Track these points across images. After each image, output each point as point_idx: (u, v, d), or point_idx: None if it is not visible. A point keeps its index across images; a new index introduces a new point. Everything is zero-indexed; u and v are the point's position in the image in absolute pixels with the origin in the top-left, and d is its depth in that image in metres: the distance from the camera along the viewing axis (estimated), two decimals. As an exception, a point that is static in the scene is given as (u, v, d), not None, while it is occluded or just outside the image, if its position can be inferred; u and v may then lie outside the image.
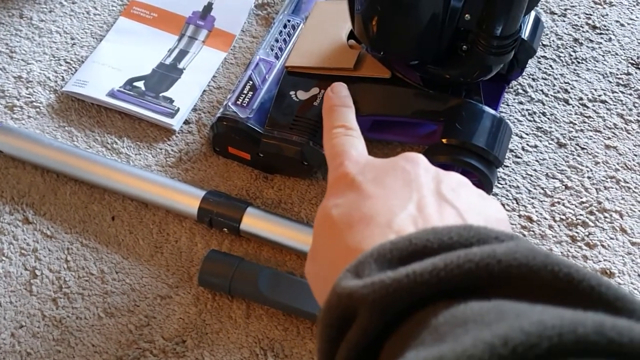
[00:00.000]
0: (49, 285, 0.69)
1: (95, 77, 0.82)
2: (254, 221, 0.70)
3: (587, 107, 0.81)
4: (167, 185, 0.73)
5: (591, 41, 0.86)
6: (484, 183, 0.69)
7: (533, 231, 0.72)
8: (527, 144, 0.78)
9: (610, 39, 0.86)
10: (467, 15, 0.64)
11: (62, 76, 0.83)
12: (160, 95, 0.81)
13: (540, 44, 0.84)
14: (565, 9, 0.89)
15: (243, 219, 0.70)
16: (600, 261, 0.70)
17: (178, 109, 0.80)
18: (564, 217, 0.73)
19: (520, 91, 0.82)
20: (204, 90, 0.82)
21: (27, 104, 0.81)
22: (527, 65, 0.77)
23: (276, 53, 0.78)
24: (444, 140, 0.68)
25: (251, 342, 0.65)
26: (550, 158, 0.77)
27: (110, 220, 0.73)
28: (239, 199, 0.72)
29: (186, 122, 0.80)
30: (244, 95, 0.74)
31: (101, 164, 0.74)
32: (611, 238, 0.71)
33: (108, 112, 0.81)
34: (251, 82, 0.75)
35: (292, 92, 0.74)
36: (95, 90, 0.80)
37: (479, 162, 0.67)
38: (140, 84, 0.82)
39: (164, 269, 0.70)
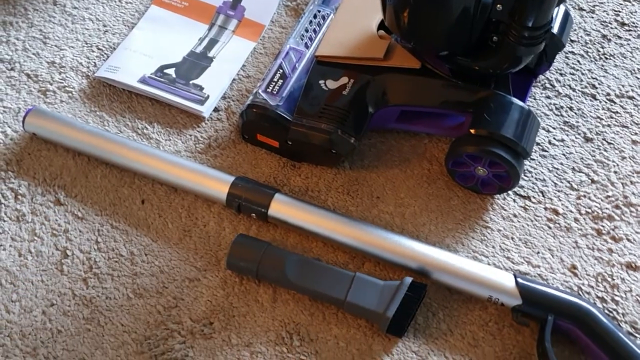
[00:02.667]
0: (80, 266, 0.70)
1: (127, 63, 0.83)
2: (281, 207, 0.71)
3: (615, 102, 0.81)
4: (197, 171, 0.74)
5: (619, 37, 0.86)
6: (510, 175, 0.69)
7: (559, 224, 0.72)
8: (554, 138, 0.78)
9: (639, 36, 0.86)
10: (498, 5, 0.64)
11: (94, 62, 0.85)
12: (191, 82, 0.82)
13: (569, 39, 0.84)
14: (594, 6, 0.89)
15: (271, 205, 0.70)
16: (625, 255, 0.70)
17: (208, 96, 0.81)
18: (589, 210, 0.73)
19: (548, 86, 0.82)
20: (233, 79, 0.83)
21: (60, 89, 0.83)
22: (555, 60, 0.77)
23: (306, 42, 0.79)
24: (472, 131, 0.69)
25: (277, 326, 0.66)
26: (576, 152, 0.77)
27: (140, 203, 0.74)
28: (267, 186, 0.73)
29: (215, 110, 0.81)
30: (274, 83, 0.75)
31: (132, 149, 0.75)
32: (637, 232, 0.72)
33: (139, 98, 0.82)
34: (281, 71, 0.76)
35: (321, 81, 0.75)
36: (126, 76, 0.82)
37: (506, 153, 0.68)
38: (171, 71, 0.83)
39: (192, 252, 0.71)
